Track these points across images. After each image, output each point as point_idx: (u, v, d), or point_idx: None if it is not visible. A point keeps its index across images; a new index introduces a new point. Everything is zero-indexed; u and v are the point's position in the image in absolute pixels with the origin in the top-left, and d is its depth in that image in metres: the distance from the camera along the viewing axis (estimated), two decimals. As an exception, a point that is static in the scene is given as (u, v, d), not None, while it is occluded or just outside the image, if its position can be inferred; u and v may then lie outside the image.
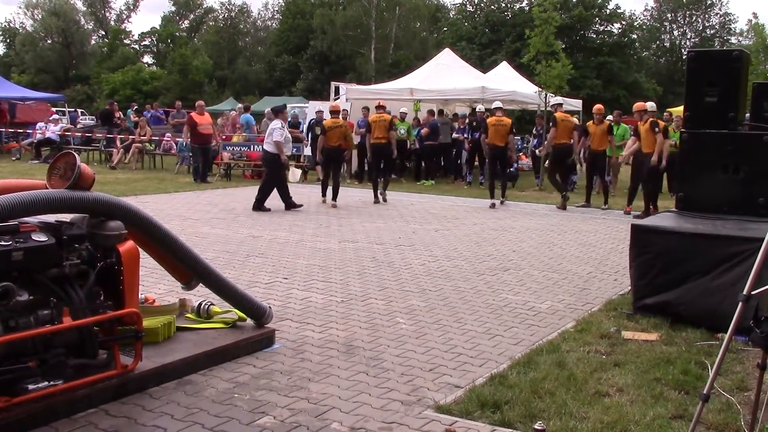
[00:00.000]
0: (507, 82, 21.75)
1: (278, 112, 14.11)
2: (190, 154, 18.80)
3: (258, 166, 19.90)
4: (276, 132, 13.12)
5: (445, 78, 20.76)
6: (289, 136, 13.53)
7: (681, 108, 13.98)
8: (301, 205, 13.31)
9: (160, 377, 4.50)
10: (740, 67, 6.79)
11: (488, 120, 15.16)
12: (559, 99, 16.84)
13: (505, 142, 14.64)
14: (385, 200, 15.07)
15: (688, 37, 67.56)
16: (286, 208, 13.20)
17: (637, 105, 13.86)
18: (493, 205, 14.43)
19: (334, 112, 14.93)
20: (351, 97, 20.98)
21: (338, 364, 5.00)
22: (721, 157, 6.73)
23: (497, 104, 16.24)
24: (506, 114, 16.15)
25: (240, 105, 24.61)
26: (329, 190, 14.34)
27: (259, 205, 13.02)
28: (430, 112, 20.47)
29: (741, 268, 5.68)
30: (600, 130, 14.73)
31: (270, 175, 13.38)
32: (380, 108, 15.77)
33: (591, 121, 15.05)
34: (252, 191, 16.22)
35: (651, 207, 13.28)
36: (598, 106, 15.21)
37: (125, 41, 74.94)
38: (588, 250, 9.92)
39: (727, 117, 6.75)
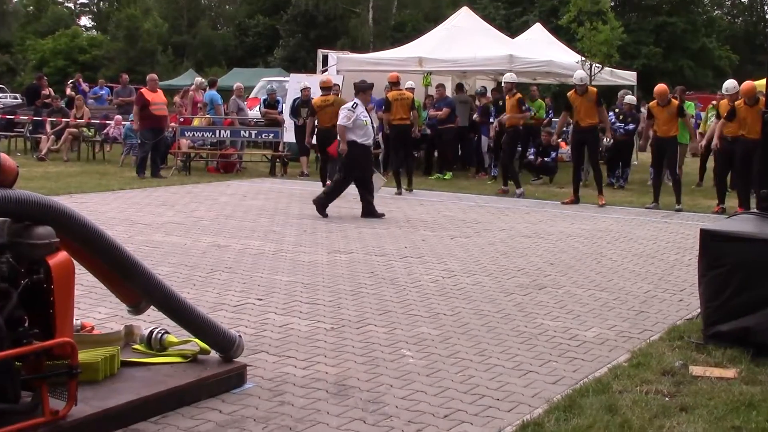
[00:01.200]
0: (541, 49, 21.76)
1: (361, 90, 13.27)
2: (139, 141, 18.76)
3: (225, 157, 19.99)
4: (343, 113, 12.79)
5: (463, 44, 20.77)
6: (365, 121, 12.81)
7: (764, 81, 14.03)
8: (382, 215, 12.77)
9: (101, 425, 4.47)
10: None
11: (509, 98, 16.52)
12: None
13: (515, 123, 16.22)
14: (411, 190, 16.04)
15: (773, -10, 67.60)
16: (320, 209, 12.74)
17: (748, 86, 14.02)
18: (505, 192, 16.35)
19: (325, 88, 15.87)
20: (343, 69, 21.00)
21: (327, 408, 4.98)
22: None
23: (512, 77, 16.70)
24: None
25: (200, 79, 24.62)
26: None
27: (369, 211, 12.78)
28: (442, 87, 20.42)
29: (842, 285, 5.66)
30: (667, 112, 14.65)
31: (345, 168, 12.91)
32: (396, 84, 16.66)
33: (654, 102, 15.00)
34: (217, 187, 16.27)
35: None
36: (661, 88, 15.03)
37: (57, -1, 75.05)
38: (646, 263, 9.90)
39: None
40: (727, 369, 5.81)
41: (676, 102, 14.96)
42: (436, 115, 19.40)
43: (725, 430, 4.71)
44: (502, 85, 16.94)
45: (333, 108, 15.03)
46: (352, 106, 12.80)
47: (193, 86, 22.52)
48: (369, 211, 12.83)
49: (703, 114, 20.31)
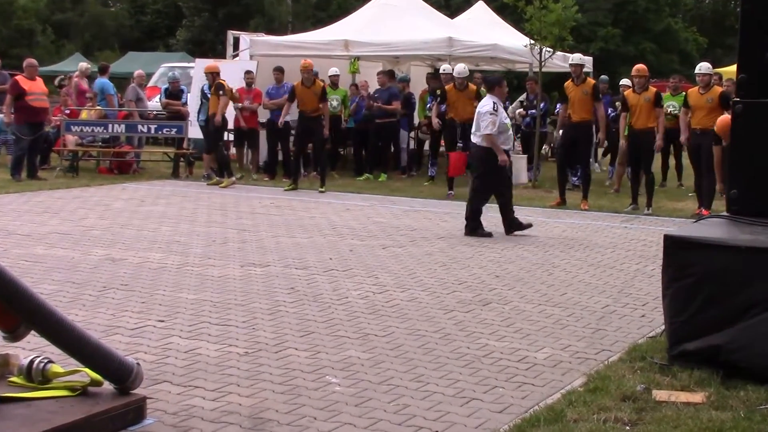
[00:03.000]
0: (484, 31, 21.98)
1: (494, 84, 12.98)
2: (14, 137, 18.37)
3: (120, 155, 19.77)
4: (485, 119, 12.18)
5: (395, 25, 20.88)
6: (507, 124, 12.63)
7: (734, 67, 14.38)
8: (529, 225, 12.62)
9: (-28, 472, 4.41)
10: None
11: (448, 88, 16.96)
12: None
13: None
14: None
15: (744, -34, 69.02)
16: (507, 230, 12.58)
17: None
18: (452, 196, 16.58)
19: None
20: (257, 53, 20.96)
21: (241, 446, 4.97)
22: (790, 137, 6.90)
23: (464, 70, 17.11)
24: (481, 77, 16.83)
25: (84, 64, 24.32)
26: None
27: (473, 227, 12.45)
28: (383, 74, 20.36)
29: (820, 297, 5.82)
30: (643, 99, 14.99)
31: (480, 180, 12.61)
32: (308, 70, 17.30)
33: (630, 89, 15.37)
34: (110, 191, 16.10)
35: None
36: (639, 66, 15.42)
37: None
38: (604, 274, 10.07)
39: (798, 80, 6.93)
40: (694, 393, 5.92)
41: (653, 90, 15.26)
42: (380, 107, 19.42)
43: (693, 462, 4.83)
44: (456, 80, 17.11)
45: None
46: (493, 109, 12.25)
47: (76, 73, 22.18)
48: (513, 224, 12.56)
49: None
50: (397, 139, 20.41)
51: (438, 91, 18.66)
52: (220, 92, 17.34)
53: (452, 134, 16.82)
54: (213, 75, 17.73)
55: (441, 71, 19.04)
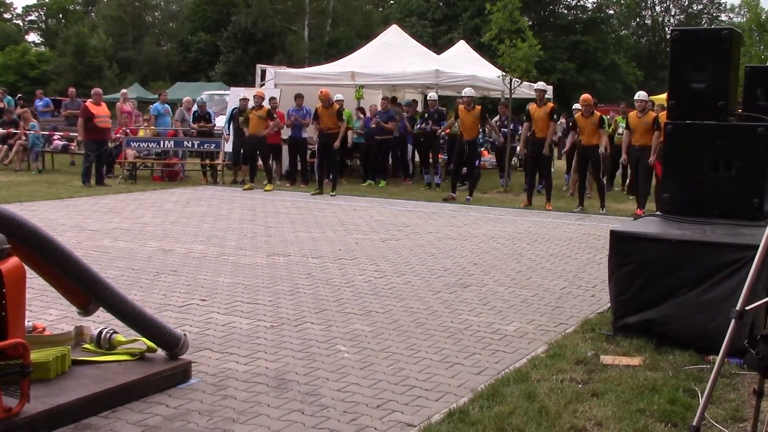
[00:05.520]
0: (465, 65, 21.96)
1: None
2: (84, 152, 18.37)
3: (169, 166, 19.75)
4: None
5: (393, 60, 20.86)
6: None
7: (664, 95, 14.41)
8: None
9: (53, 421, 4.41)
10: (730, 48, 6.98)
11: (460, 108, 16.63)
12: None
13: (475, 135, 16.75)
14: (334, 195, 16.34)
15: (672, 13, 69.30)
16: None
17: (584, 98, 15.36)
18: (453, 199, 16.33)
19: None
20: (280, 83, 20.94)
21: (268, 401, 4.98)
22: (709, 152, 6.89)
23: (470, 91, 17.00)
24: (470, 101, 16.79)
25: (124, 90, 24.49)
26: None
27: None
28: (386, 100, 20.36)
29: (734, 280, 5.83)
30: (590, 122, 15.03)
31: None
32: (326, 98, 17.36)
33: (579, 113, 15.38)
34: (162, 195, 16.09)
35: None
36: (585, 96, 15.42)
37: (5, 16, 73.34)
38: (561, 262, 10.06)
39: (716, 106, 6.92)
40: (633, 357, 5.95)
41: (598, 114, 15.28)
42: (383, 126, 19.25)
43: (631, 413, 4.83)
44: (462, 99, 16.99)
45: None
46: None
47: (127, 102, 22.24)
48: None
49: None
50: (395, 152, 20.39)
51: (425, 114, 18.72)
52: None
53: (460, 150, 16.65)
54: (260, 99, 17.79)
55: (429, 98, 18.98)
